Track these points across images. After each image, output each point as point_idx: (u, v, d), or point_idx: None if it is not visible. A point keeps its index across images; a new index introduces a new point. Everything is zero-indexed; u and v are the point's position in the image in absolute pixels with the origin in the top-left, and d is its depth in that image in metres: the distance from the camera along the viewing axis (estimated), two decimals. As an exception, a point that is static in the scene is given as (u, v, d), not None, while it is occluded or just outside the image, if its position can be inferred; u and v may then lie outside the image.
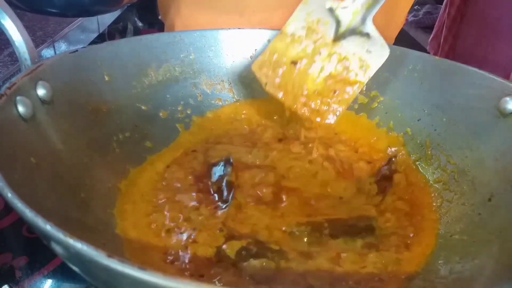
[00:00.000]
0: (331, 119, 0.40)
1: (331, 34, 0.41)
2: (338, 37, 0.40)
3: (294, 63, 0.41)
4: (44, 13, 0.43)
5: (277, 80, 0.41)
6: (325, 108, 0.40)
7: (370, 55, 0.39)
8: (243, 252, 0.32)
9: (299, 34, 0.41)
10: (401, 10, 0.58)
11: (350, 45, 0.40)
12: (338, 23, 0.40)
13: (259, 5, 0.52)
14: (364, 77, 0.40)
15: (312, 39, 0.41)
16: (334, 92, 0.40)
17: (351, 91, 0.40)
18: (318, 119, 0.40)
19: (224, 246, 0.32)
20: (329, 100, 0.40)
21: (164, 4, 0.59)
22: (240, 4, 0.52)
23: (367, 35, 0.39)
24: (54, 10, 0.42)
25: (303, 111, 0.41)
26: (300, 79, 0.41)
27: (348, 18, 0.40)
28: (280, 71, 0.41)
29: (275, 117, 0.46)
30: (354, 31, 0.40)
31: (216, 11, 0.53)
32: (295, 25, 0.42)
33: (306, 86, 0.41)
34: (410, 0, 0.57)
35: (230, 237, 0.33)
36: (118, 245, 0.32)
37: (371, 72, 0.39)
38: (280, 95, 0.41)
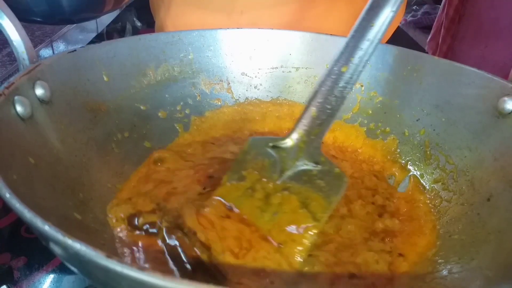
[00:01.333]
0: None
1: (275, 173, 0.34)
2: (284, 175, 0.34)
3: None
4: (27, 21, 0.43)
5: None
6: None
7: (324, 188, 0.33)
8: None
9: (239, 183, 0.35)
10: None
11: (298, 181, 0.34)
12: (282, 159, 0.34)
13: (247, 6, 0.52)
14: (319, 216, 0.32)
15: (253, 185, 0.34)
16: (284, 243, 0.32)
17: (309, 236, 0.32)
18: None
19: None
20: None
21: (154, 3, 0.60)
22: (228, 5, 0.52)
23: (317, 164, 0.34)
24: (36, 19, 0.42)
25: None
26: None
27: (293, 151, 0.34)
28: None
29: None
30: (303, 164, 0.34)
31: (205, 11, 0.53)
32: (234, 175, 0.35)
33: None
34: None
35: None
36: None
37: (328, 209, 0.33)
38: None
